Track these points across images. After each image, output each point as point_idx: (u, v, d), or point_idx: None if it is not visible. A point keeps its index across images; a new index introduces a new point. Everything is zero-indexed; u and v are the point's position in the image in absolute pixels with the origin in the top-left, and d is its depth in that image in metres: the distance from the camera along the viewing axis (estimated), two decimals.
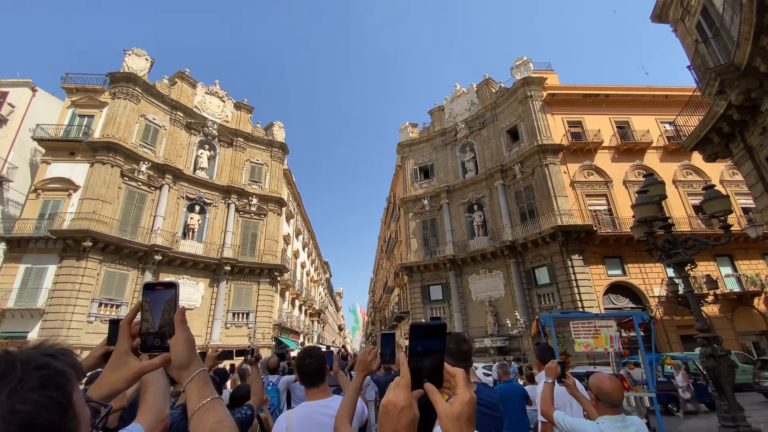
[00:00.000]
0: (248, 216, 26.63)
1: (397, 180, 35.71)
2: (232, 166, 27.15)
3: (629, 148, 23.03)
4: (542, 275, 21.85)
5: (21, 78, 23.84)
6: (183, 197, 24.10)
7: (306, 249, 41.98)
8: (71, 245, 18.79)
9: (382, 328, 44.82)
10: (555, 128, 23.66)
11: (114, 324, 1.17)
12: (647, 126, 23.69)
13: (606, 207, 22.08)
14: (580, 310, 18.36)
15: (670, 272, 17.83)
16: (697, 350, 7.36)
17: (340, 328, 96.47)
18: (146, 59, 24.18)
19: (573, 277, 19.80)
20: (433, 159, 29.88)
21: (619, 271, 20.65)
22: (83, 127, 21.65)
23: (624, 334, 8.40)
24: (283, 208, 29.64)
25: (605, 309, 19.40)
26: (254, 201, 26.89)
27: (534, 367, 8.79)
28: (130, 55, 23.66)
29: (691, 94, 13.28)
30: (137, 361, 0.94)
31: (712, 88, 9.80)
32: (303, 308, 37.95)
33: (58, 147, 20.97)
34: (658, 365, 11.59)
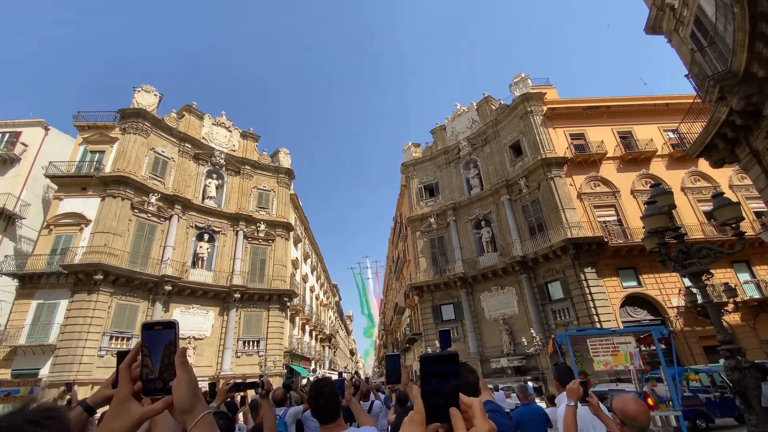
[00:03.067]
0: (256, 242, 26.77)
1: (403, 199, 35.83)
2: (239, 194, 27.53)
3: (634, 158, 22.95)
4: (555, 290, 21.44)
5: (34, 118, 24.78)
6: (192, 226, 24.37)
7: (315, 272, 41.84)
8: (83, 279, 18.95)
9: (395, 351, 43.93)
10: (557, 141, 23.75)
11: (122, 356, 1.17)
12: (650, 135, 23.68)
13: (615, 218, 21.83)
14: (597, 324, 17.90)
15: (688, 282, 17.41)
16: (722, 362, 7.08)
17: (352, 353, 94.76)
18: (155, 95, 25.01)
19: (587, 291, 19.38)
20: (437, 177, 30.02)
21: (634, 283, 20.18)
22: (94, 163, 22.22)
23: (644, 349, 8.12)
24: (291, 233, 29.77)
25: (623, 322, 18.87)
26: (262, 227, 27.09)
27: (553, 387, 8.52)
28: (139, 91, 24.51)
29: (691, 101, 13.32)
30: (139, 406, 0.90)
31: (712, 95, 9.83)
32: (313, 333, 37.49)
33: (70, 183, 21.48)
34: (682, 380, 11.14)
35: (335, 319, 61.53)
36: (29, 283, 19.19)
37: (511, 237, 23.79)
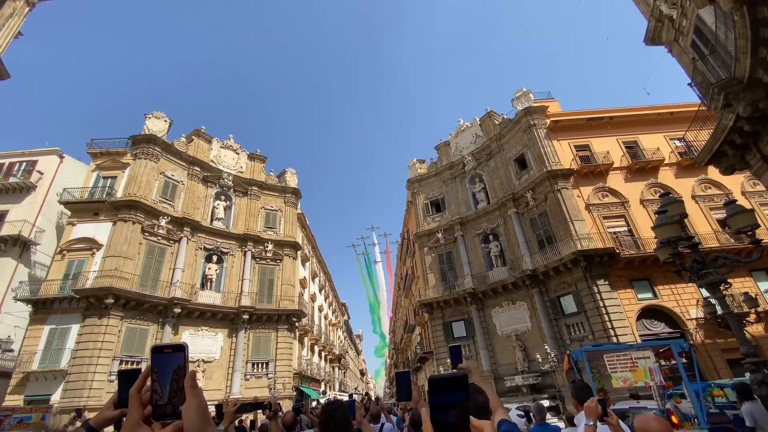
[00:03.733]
0: (264, 262, 26.82)
1: (409, 215, 35.82)
2: (247, 215, 27.79)
3: (641, 167, 22.76)
4: (568, 304, 20.97)
5: (50, 147, 25.59)
6: (201, 248, 24.55)
7: (323, 291, 41.62)
8: (94, 303, 19.07)
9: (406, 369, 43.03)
10: (562, 153, 23.71)
11: (123, 375, 1.12)
12: (656, 144, 23.54)
13: (626, 228, 21.50)
14: (613, 339, 17.40)
15: (705, 292, 16.92)
16: (747, 376, 6.79)
17: (362, 374, 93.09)
18: (165, 120, 25.70)
19: (601, 304, 18.93)
20: (443, 192, 30.04)
21: (650, 294, 19.67)
22: (107, 188, 22.70)
23: (664, 364, 7.83)
24: (298, 252, 29.81)
25: (640, 336, 18.31)
26: (270, 247, 27.19)
27: (571, 406, 8.21)
28: (150, 118, 25.21)
29: (696, 109, 13.27)
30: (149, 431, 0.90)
31: (717, 102, 9.78)
32: (323, 354, 36.99)
33: (83, 209, 21.91)
34: (706, 396, 10.68)
35: (344, 338, 60.77)
36: (42, 308, 19.37)
37: (521, 250, 23.51)
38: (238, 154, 29.88)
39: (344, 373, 52.04)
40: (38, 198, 23.65)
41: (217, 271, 24.76)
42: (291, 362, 25.00)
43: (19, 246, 21.88)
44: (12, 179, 23.82)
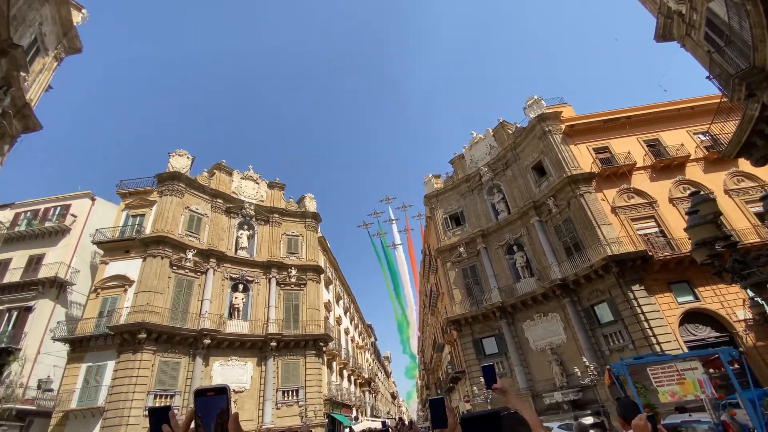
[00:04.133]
0: (289, 288, 27.05)
1: (429, 231, 35.59)
2: (270, 242, 28.30)
3: (667, 165, 21.99)
4: (604, 312, 20.04)
5: (82, 190, 27.02)
6: (227, 278, 25.04)
7: (348, 314, 41.41)
8: (128, 339, 19.59)
9: (438, 392, 41.80)
10: (581, 157, 23.23)
11: (153, 412, 1.13)
12: (680, 140, 22.78)
13: (657, 229, 20.63)
14: (656, 347, 16.47)
15: (751, 291, 15.88)
16: None
17: (393, 396, 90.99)
18: (187, 157, 26.85)
19: (639, 311, 18.00)
20: (462, 206, 29.78)
21: (691, 297, 18.60)
22: (136, 226, 23.68)
23: (714, 372, 7.29)
24: (321, 275, 29.95)
25: (685, 342, 17.24)
26: (293, 272, 27.46)
27: (617, 423, 7.73)
28: (173, 156, 26.40)
29: (718, 101, 12.82)
30: None
31: (739, 93, 9.45)
32: (352, 378, 36.47)
33: (115, 247, 22.85)
34: (762, 404, 9.85)
35: (373, 361, 59.85)
36: (79, 346, 20.02)
37: (547, 260, 22.82)
38: (258, 183, 30.73)
39: (375, 397, 50.99)
40: (72, 240, 24.84)
41: (244, 300, 25.10)
42: (321, 388, 24.73)
43: (56, 287, 22.88)
44: (48, 224, 25.18)
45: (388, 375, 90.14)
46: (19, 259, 23.99)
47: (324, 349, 26.49)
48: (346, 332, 38.03)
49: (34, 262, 23.79)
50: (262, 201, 30.02)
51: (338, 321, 34.97)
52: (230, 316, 24.07)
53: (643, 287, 18.62)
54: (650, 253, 18.98)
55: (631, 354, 17.26)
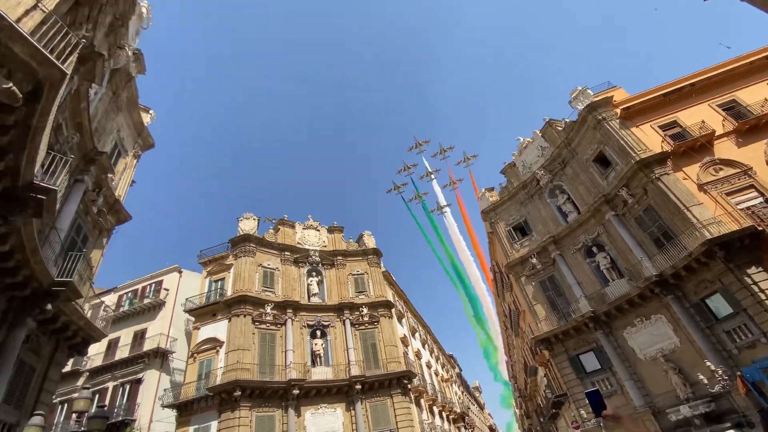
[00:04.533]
0: (363, 327, 27.11)
1: (494, 247, 34.08)
2: (338, 284, 28.97)
3: (754, 125, 19.31)
4: (719, 305, 17.23)
5: (170, 266, 30.06)
6: (305, 326, 25.80)
7: (426, 346, 40.15)
8: (225, 398, 20.59)
9: (541, 420, 38.08)
10: (647, 138, 21.29)
11: None
12: (762, 94, 20.05)
13: (761, 199, 17.82)
14: None
15: None
16: None
17: (492, 430, 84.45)
18: (254, 219, 29.06)
19: (763, 296, 15.24)
20: (523, 214, 28.31)
21: None
22: (218, 290, 25.60)
23: None
24: (392, 309, 29.68)
25: None
26: (365, 311, 27.58)
27: None
28: (242, 220, 28.75)
29: None
30: None
31: None
32: (444, 414, 34.64)
33: (203, 312, 24.78)
34: None
35: (462, 393, 56.61)
36: (185, 411, 21.41)
37: (635, 256, 20.49)
38: (318, 230, 32.14)
39: (473, 431, 47.72)
40: (167, 312, 27.41)
41: (323, 346, 25.51)
42: (413, 428, 23.70)
43: (159, 357, 25.07)
44: (146, 300, 28.17)
45: (481, 407, 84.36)
46: (126, 336, 26.87)
47: (409, 386, 25.67)
48: (428, 366, 36.68)
49: (139, 336, 26.46)
50: (325, 246, 31.16)
51: (418, 355, 33.96)
52: (313, 363, 24.48)
53: (761, 268, 15.89)
54: (760, 228, 16.32)
55: (765, 348, 14.59)
